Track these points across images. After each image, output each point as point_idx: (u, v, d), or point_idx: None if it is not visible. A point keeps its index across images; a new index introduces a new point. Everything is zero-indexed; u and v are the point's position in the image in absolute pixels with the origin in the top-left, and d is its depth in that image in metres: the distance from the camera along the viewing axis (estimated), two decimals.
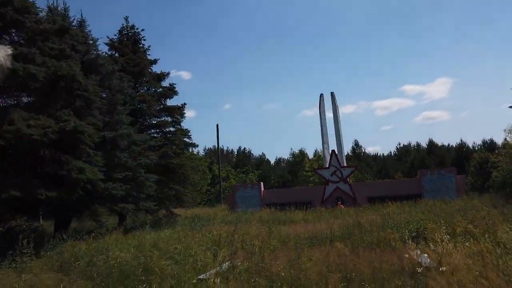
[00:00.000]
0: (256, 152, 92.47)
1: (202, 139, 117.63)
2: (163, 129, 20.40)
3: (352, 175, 32.18)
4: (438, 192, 27.27)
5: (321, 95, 32.43)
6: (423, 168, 34.61)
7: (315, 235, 12.22)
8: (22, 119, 9.86)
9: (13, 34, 11.78)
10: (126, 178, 14.68)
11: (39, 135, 9.67)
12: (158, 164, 19.11)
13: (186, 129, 21.57)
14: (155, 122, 20.12)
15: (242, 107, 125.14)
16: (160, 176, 19.23)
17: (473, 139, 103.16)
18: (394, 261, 7.25)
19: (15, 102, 11.55)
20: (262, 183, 31.48)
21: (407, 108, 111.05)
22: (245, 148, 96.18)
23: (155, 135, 21.06)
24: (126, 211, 15.38)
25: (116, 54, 20.77)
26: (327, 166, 29.81)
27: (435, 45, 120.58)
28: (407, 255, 7.67)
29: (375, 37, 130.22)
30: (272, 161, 79.22)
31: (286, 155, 65.81)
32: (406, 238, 9.75)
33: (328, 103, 32.43)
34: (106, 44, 20.63)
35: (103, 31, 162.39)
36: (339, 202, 27.85)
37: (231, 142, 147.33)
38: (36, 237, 10.79)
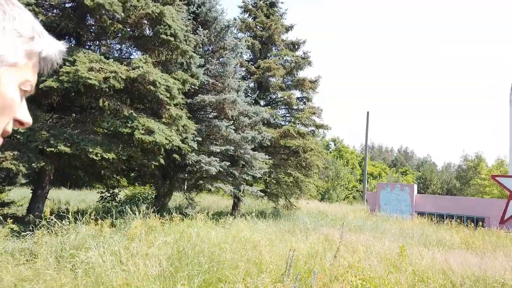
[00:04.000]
0: (420, 154, 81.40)
1: (357, 137, 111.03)
2: (288, 104, 17.20)
3: None
4: None
5: None
6: None
7: (482, 278, 7.10)
8: (87, 60, 8.09)
9: None
10: (226, 154, 12.15)
11: (97, 80, 7.70)
12: (276, 144, 16.11)
13: (317, 107, 17.90)
14: (281, 96, 17.03)
15: (407, 106, 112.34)
16: (276, 158, 16.28)
17: None
18: None
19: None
20: (415, 185, 25.18)
21: None
22: (407, 147, 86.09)
23: (281, 111, 18.13)
24: (234, 193, 12.89)
25: (249, 18, 18.54)
26: None
27: None
28: None
29: None
30: (440, 166, 67.86)
31: (458, 161, 54.44)
32: None
33: None
34: (240, 7, 18.60)
35: None
36: None
37: (392, 141, 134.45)
38: None
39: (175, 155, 10.53)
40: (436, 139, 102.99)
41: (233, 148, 12.02)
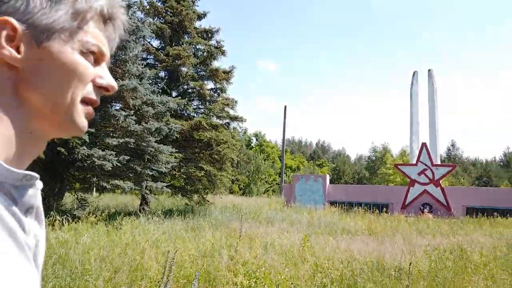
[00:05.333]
0: (336, 147, 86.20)
1: (280, 131, 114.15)
2: (201, 96, 16.38)
3: (445, 177, 25.30)
4: None
5: (415, 73, 25.76)
6: None
7: (380, 264, 7.16)
8: None
9: None
10: (126, 147, 11.01)
11: None
12: (187, 137, 15.26)
13: (231, 99, 17.40)
14: (192, 86, 16.12)
15: (326, 101, 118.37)
16: (188, 151, 15.45)
17: None
18: None
19: None
20: (328, 176, 26.21)
21: None
22: (324, 141, 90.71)
23: (194, 102, 17.28)
24: (135, 190, 11.75)
25: (158, 2, 17.28)
26: (414, 162, 23.48)
27: None
28: None
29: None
30: (353, 158, 72.51)
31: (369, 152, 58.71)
32: None
33: (424, 84, 25.72)
34: None
35: None
36: (425, 210, 21.53)
37: (311, 135, 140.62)
38: None
39: (60, 149, 9.18)
40: (350, 132, 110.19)
41: (133, 140, 10.92)
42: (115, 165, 10.31)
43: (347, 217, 15.77)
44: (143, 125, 11.28)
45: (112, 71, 11.07)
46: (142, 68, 12.23)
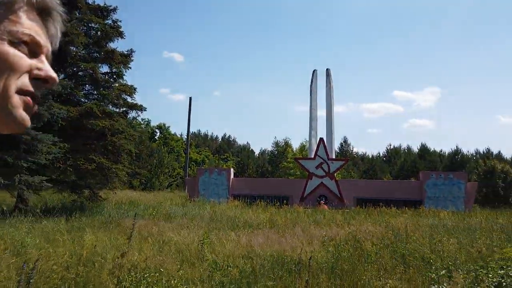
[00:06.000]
0: (241, 141, 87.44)
1: (185, 124, 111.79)
2: (93, 79, 14.66)
3: (339, 171, 27.18)
4: (442, 200, 22.46)
5: (314, 72, 27.05)
6: (417, 172, 29.93)
7: (280, 257, 6.99)
8: None
9: None
10: None
11: None
12: (78, 125, 13.53)
13: (130, 86, 15.96)
14: (83, 67, 14.27)
15: (232, 96, 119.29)
16: (77, 141, 13.70)
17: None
18: None
19: None
20: (232, 169, 26.12)
21: (395, 113, 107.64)
22: (230, 135, 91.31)
23: (86, 86, 15.44)
24: (6, 185, 9.83)
25: None
26: (313, 156, 24.66)
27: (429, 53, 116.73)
28: None
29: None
30: (257, 152, 74.25)
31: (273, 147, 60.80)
32: None
33: (322, 82, 27.15)
34: None
35: None
36: (322, 202, 22.78)
37: (217, 130, 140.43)
38: None
39: None
40: (255, 128, 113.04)
41: None
42: None
43: (250, 210, 15.71)
44: None
45: None
46: None
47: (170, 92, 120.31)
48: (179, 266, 5.78)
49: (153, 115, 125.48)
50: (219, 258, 6.90)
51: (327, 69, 26.99)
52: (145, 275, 4.64)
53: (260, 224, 11.33)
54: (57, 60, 14.58)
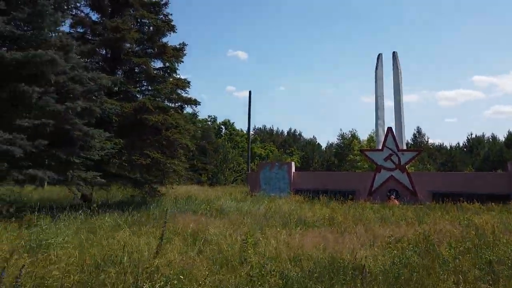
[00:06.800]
0: (307, 135, 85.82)
1: (253, 120, 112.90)
2: (147, 75, 14.66)
3: (412, 162, 24.80)
4: None
5: (380, 56, 24.90)
6: (504, 162, 26.18)
7: (335, 261, 5.96)
8: None
9: None
10: (44, 130, 9.28)
11: None
12: (133, 120, 13.59)
13: (183, 79, 15.78)
14: (135, 62, 14.26)
15: (297, 90, 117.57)
16: (132, 136, 13.77)
17: None
18: None
19: None
20: (293, 163, 25.09)
21: (475, 100, 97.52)
22: (295, 130, 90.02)
23: (141, 82, 15.55)
24: (58, 181, 10.02)
25: None
26: (380, 148, 22.72)
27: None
28: None
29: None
30: (324, 146, 72.28)
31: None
32: None
33: (388, 67, 24.90)
34: None
35: None
36: (392, 196, 20.86)
37: (283, 125, 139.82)
38: None
39: None
40: (321, 121, 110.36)
41: (53, 122, 9.19)
42: (28, 150, 8.60)
43: (310, 206, 14.67)
44: (66, 105, 9.56)
45: (20, 37, 9.25)
46: (67, 39, 10.41)
47: (235, 90, 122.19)
48: (214, 270, 5.06)
49: (220, 113, 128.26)
50: (264, 260, 6.08)
51: (393, 52, 24.68)
52: (163, 282, 3.96)
53: (317, 222, 10.29)
54: (113, 57, 14.76)
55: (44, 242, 5.79)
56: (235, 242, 6.95)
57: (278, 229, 8.61)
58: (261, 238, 7.39)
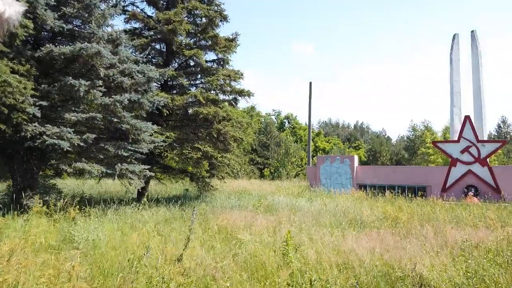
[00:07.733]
0: (376, 128, 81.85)
1: (316, 113, 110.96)
2: (199, 67, 14.40)
3: (494, 155, 21.91)
4: None
5: (455, 36, 22.24)
6: None
7: (391, 272, 4.97)
8: None
9: None
10: (92, 124, 9.34)
11: None
12: (184, 113, 13.44)
13: (236, 71, 15.30)
14: (186, 55, 14.04)
15: (368, 81, 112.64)
16: (185, 130, 13.63)
17: None
18: None
19: None
20: (356, 156, 23.53)
21: None
22: (362, 122, 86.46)
23: (194, 75, 15.37)
24: (107, 173, 10.09)
25: None
26: (456, 139, 20.35)
27: None
28: None
29: None
30: (394, 139, 68.25)
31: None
32: None
33: (465, 48, 22.20)
34: None
35: None
36: (470, 193, 18.56)
37: (349, 117, 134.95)
38: None
39: (1, 126, 7.63)
40: (391, 112, 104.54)
41: (100, 116, 9.20)
42: (76, 144, 8.67)
43: (372, 202, 13.39)
44: (113, 98, 9.53)
45: (68, 32, 9.33)
46: (116, 33, 10.40)
47: (299, 82, 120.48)
48: (243, 276, 4.41)
49: (284, 105, 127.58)
50: (306, 267, 5.29)
51: (472, 31, 21.87)
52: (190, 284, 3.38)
53: (376, 221, 9.15)
54: (168, 51, 14.67)
55: (76, 237, 5.61)
56: (275, 243, 6.23)
57: (330, 229, 7.71)
58: (307, 240, 6.57)
